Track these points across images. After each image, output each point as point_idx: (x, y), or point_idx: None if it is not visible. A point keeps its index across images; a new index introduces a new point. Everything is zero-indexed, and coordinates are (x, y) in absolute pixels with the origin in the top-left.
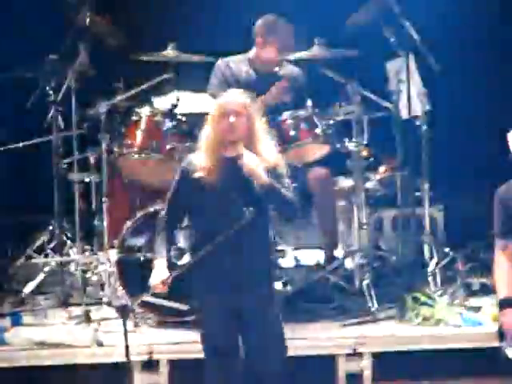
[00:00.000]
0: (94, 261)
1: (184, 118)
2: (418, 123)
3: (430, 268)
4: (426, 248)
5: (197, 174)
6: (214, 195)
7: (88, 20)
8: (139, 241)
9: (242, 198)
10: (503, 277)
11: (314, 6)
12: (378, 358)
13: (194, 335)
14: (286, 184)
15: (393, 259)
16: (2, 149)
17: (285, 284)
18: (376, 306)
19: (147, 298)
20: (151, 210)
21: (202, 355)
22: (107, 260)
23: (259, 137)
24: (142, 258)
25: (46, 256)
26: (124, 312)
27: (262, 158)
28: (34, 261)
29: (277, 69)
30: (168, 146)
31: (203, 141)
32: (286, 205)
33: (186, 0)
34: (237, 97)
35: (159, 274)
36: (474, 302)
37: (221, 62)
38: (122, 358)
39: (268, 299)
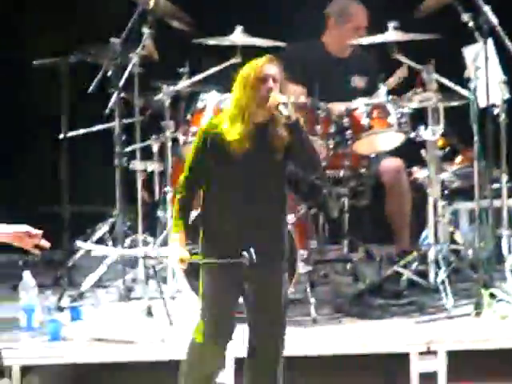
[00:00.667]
0: (158, 254)
1: None
2: (496, 112)
3: (509, 263)
4: (504, 242)
5: (225, 143)
6: (240, 165)
7: (152, 2)
8: None
9: (267, 166)
10: None
11: None
12: (453, 356)
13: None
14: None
15: (469, 254)
16: (62, 136)
17: (356, 279)
18: (451, 302)
19: None
20: None
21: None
22: (171, 253)
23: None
24: None
25: (110, 248)
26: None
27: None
28: (94, 253)
29: (350, 53)
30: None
31: (234, 107)
32: (311, 152)
33: None
34: (272, 62)
35: (177, 251)
36: None
37: (290, 47)
38: None
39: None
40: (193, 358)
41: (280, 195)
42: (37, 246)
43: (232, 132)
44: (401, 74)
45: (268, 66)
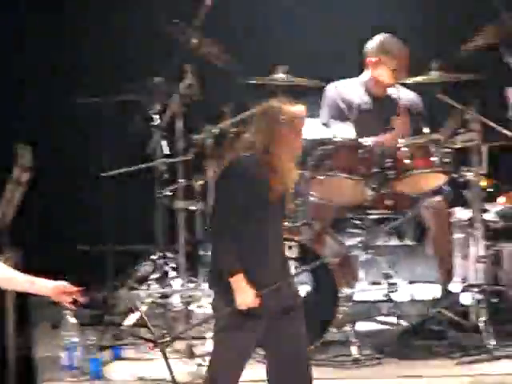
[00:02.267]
0: (199, 293)
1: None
2: None
3: None
4: None
5: (262, 178)
6: (270, 207)
7: (196, 41)
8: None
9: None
10: None
11: (429, 29)
12: None
13: None
14: None
15: None
16: (104, 175)
17: (399, 319)
18: (493, 343)
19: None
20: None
21: None
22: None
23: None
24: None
25: (149, 287)
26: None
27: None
28: (135, 292)
29: (393, 92)
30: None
31: (276, 145)
32: None
33: (291, 23)
34: (302, 109)
35: (244, 291)
36: None
37: (331, 86)
38: None
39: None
40: None
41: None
42: (74, 302)
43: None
44: (453, 124)
45: (303, 116)
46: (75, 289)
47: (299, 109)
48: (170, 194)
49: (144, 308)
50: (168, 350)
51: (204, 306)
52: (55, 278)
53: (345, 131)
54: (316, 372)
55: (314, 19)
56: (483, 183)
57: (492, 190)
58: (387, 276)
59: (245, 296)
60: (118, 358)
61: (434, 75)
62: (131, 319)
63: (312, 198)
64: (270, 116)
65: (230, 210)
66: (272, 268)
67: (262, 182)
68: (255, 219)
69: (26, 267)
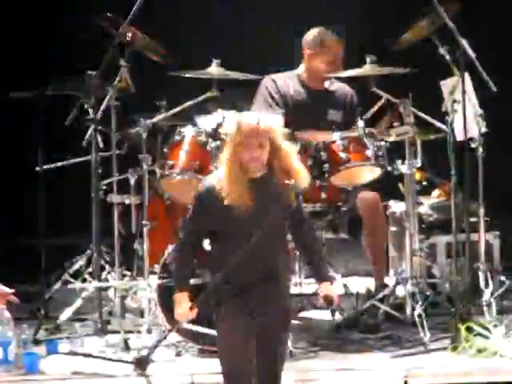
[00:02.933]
0: (134, 286)
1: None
2: (473, 145)
3: (486, 297)
4: (481, 276)
5: (223, 200)
6: (239, 220)
7: (130, 35)
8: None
9: (266, 220)
10: None
11: (364, 22)
12: None
13: None
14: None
15: (446, 287)
16: (39, 168)
17: (333, 312)
18: (428, 336)
19: (188, 325)
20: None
21: None
22: (147, 286)
23: (286, 157)
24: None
25: (84, 281)
26: (140, 365)
27: (292, 179)
28: (70, 286)
29: (327, 85)
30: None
31: (225, 164)
32: (308, 225)
33: (227, 18)
34: (261, 119)
35: (183, 303)
36: None
37: (267, 79)
38: None
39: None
40: None
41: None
42: (8, 302)
43: (228, 188)
44: (387, 117)
45: (255, 125)
46: (7, 291)
47: (249, 123)
48: (105, 187)
49: (79, 302)
50: (103, 343)
51: (139, 298)
52: None
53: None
54: None
55: (250, 13)
56: (417, 176)
57: (426, 183)
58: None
59: (180, 309)
60: (54, 352)
61: (368, 69)
62: (67, 313)
63: None
64: (228, 133)
65: (186, 233)
66: (247, 280)
67: (221, 203)
68: (222, 236)
69: None
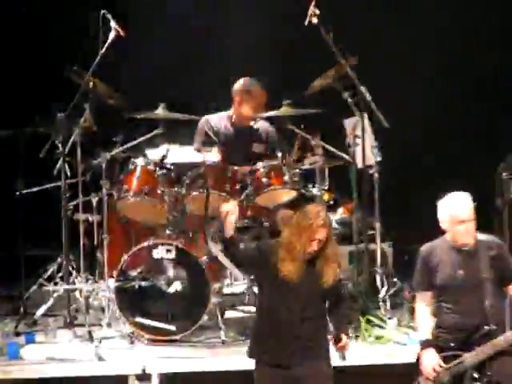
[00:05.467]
0: (96, 288)
1: (172, 167)
2: (370, 171)
3: (381, 295)
4: (377, 278)
5: (280, 273)
6: (287, 287)
7: (91, 84)
8: (135, 271)
9: (308, 297)
10: (423, 322)
11: (286, 72)
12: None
13: (181, 351)
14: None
15: (349, 287)
16: (18, 193)
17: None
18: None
19: (141, 319)
20: (145, 244)
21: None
22: (107, 288)
23: (332, 244)
24: (136, 286)
25: (56, 284)
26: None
27: (333, 260)
28: (45, 288)
29: (252, 124)
30: (159, 191)
31: (288, 248)
32: (345, 302)
33: (173, 66)
34: (323, 215)
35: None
36: None
37: (203, 119)
38: (120, 371)
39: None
40: None
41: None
42: None
43: (287, 265)
44: (300, 149)
45: (320, 219)
46: None
47: (318, 215)
48: (72, 208)
49: (52, 301)
50: (71, 334)
51: (100, 298)
52: None
53: (212, 156)
54: (192, 352)
55: (196, 66)
56: (326, 197)
57: (333, 202)
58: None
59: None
60: (31, 342)
61: (285, 110)
62: (42, 310)
63: (187, 211)
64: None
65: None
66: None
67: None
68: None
69: None
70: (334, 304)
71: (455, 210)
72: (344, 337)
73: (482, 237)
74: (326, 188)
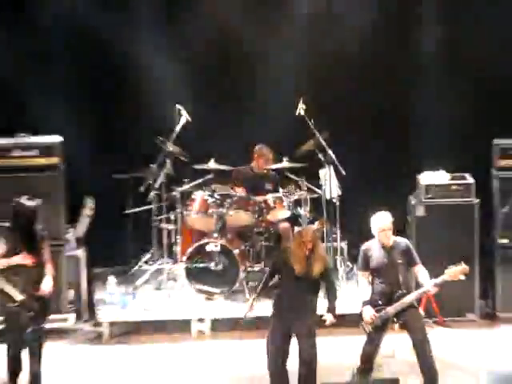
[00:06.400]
0: (173, 267)
1: (219, 196)
2: (334, 200)
3: (340, 273)
4: (338, 262)
5: (290, 264)
6: (294, 275)
7: (170, 147)
8: (196, 258)
9: (307, 281)
10: (364, 289)
11: (285, 139)
12: None
13: (223, 305)
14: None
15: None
16: (125, 212)
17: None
18: None
19: (200, 286)
20: (201, 242)
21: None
22: (179, 267)
23: (318, 248)
24: (197, 266)
25: (150, 265)
26: None
27: (319, 259)
28: (144, 267)
29: (265, 171)
30: (210, 211)
31: (295, 255)
32: (333, 287)
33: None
34: (311, 228)
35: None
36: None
37: (235, 170)
38: (186, 317)
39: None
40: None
41: (315, 292)
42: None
43: (295, 260)
44: (293, 187)
45: (308, 234)
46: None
47: (307, 234)
48: (158, 221)
49: (147, 275)
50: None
51: (175, 273)
52: None
53: (239, 191)
54: (229, 305)
55: (234, 129)
56: (308, 215)
57: (312, 218)
58: (262, 260)
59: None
60: (134, 299)
61: (285, 163)
62: (141, 281)
63: (228, 223)
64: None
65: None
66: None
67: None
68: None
69: None
70: (326, 286)
71: (380, 223)
72: (331, 316)
73: (398, 239)
74: (308, 209)
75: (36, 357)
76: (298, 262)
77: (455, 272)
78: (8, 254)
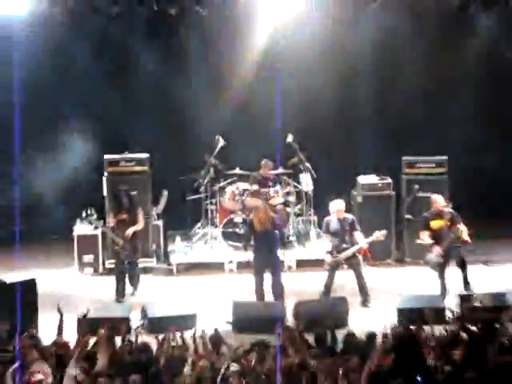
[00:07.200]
0: (215, 231)
1: (241, 190)
2: (310, 193)
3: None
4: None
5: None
6: (261, 233)
7: (212, 161)
8: (228, 225)
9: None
10: (326, 244)
11: (281, 156)
12: None
13: (245, 254)
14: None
15: (301, 226)
16: (188, 197)
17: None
18: None
19: (230, 242)
20: (231, 216)
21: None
22: (218, 231)
23: (266, 212)
24: (229, 230)
25: (201, 230)
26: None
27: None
28: (197, 231)
29: (268, 175)
30: (236, 198)
31: (255, 219)
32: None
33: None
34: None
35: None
36: None
37: (252, 175)
38: (220, 260)
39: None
40: None
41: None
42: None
43: (258, 226)
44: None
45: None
46: None
47: (255, 202)
48: (207, 203)
49: (198, 236)
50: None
51: (214, 235)
52: None
53: (255, 187)
54: (248, 254)
55: (250, 141)
56: (293, 200)
57: (297, 203)
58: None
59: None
60: (190, 248)
61: (280, 170)
62: (196, 237)
63: (246, 205)
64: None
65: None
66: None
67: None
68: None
69: None
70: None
71: (336, 205)
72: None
73: (346, 215)
74: (294, 198)
75: (134, 280)
76: (260, 224)
77: (379, 235)
78: (115, 217)
